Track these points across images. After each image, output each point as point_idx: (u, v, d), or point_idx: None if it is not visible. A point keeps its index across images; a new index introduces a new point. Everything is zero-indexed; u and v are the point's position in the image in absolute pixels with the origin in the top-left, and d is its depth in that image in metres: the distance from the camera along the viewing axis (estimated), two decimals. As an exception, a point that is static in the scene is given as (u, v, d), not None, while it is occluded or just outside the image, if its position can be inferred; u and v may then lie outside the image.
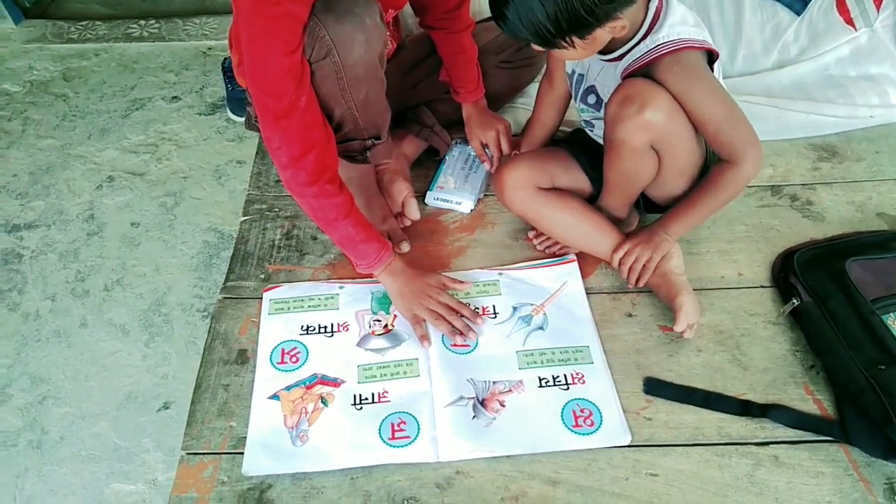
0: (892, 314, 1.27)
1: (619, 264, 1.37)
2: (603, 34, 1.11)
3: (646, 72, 1.19)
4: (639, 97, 1.16)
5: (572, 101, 1.44)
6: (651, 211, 1.49)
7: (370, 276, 1.38)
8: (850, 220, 1.53)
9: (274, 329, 1.37)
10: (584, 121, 1.45)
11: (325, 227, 1.32)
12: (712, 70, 1.21)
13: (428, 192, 1.62)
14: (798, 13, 1.91)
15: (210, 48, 2.50)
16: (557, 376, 1.27)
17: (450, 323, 1.33)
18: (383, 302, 1.41)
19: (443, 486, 1.15)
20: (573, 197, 1.44)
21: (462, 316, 1.35)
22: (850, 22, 1.89)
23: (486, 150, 1.64)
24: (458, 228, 1.57)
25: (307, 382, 1.29)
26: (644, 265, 1.34)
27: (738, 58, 1.91)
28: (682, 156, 1.27)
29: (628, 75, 1.21)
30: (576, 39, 1.09)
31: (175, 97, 2.30)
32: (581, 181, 1.47)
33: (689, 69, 1.17)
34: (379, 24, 1.24)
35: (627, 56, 1.20)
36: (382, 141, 1.46)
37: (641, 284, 1.37)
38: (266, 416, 1.24)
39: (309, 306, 1.41)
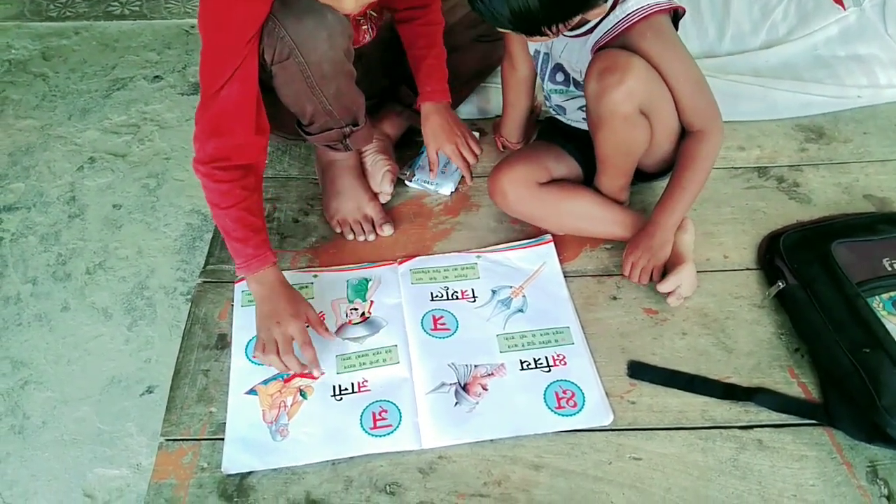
0: (877, 297, 1.26)
1: (629, 275, 1.35)
2: (581, 19, 1.10)
3: (618, 43, 1.18)
4: (616, 67, 1.16)
5: (539, 80, 1.42)
6: (640, 180, 1.47)
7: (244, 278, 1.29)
8: (837, 202, 1.52)
9: (248, 321, 1.33)
10: (556, 106, 1.44)
11: (212, 211, 1.25)
12: (677, 28, 1.22)
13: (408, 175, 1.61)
14: (787, -8, 1.90)
15: (193, 26, 2.44)
16: (539, 358, 1.27)
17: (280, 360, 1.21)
18: (359, 290, 1.40)
19: (425, 471, 1.15)
20: (576, 184, 1.42)
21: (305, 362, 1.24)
22: (839, 1, 1.88)
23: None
24: (442, 211, 1.55)
25: (285, 375, 1.27)
26: (650, 269, 1.33)
27: (727, 37, 1.89)
28: (668, 115, 1.26)
29: (600, 48, 1.20)
30: (561, 27, 1.07)
31: (157, 76, 2.25)
32: (573, 167, 1.45)
33: (661, 35, 1.18)
34: (342, 19, 1.22)
35: (598, 29, 1.19)
36: (361, 127, 1.43)
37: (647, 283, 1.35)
38: (244, 412, 1.22)
39: None
